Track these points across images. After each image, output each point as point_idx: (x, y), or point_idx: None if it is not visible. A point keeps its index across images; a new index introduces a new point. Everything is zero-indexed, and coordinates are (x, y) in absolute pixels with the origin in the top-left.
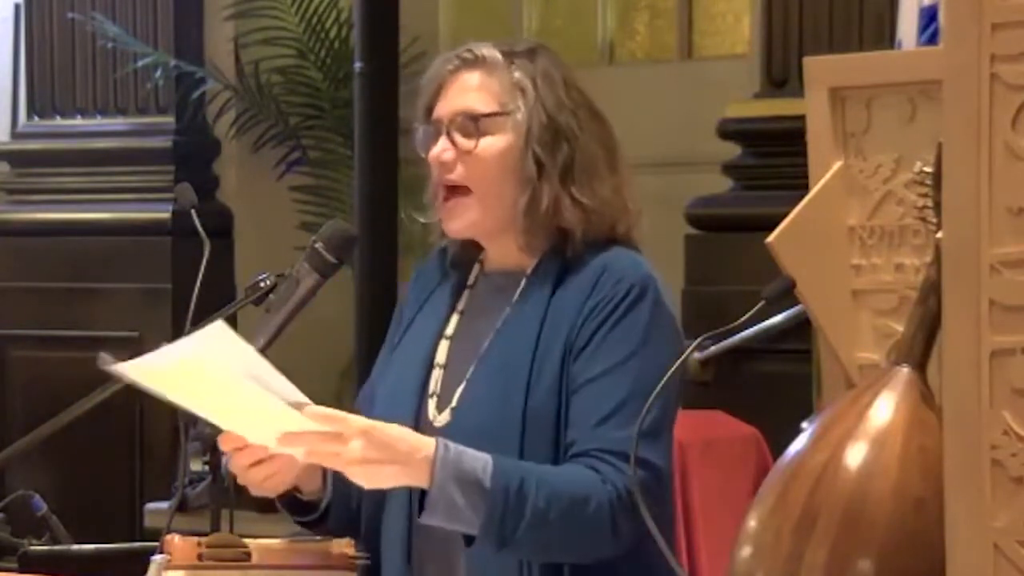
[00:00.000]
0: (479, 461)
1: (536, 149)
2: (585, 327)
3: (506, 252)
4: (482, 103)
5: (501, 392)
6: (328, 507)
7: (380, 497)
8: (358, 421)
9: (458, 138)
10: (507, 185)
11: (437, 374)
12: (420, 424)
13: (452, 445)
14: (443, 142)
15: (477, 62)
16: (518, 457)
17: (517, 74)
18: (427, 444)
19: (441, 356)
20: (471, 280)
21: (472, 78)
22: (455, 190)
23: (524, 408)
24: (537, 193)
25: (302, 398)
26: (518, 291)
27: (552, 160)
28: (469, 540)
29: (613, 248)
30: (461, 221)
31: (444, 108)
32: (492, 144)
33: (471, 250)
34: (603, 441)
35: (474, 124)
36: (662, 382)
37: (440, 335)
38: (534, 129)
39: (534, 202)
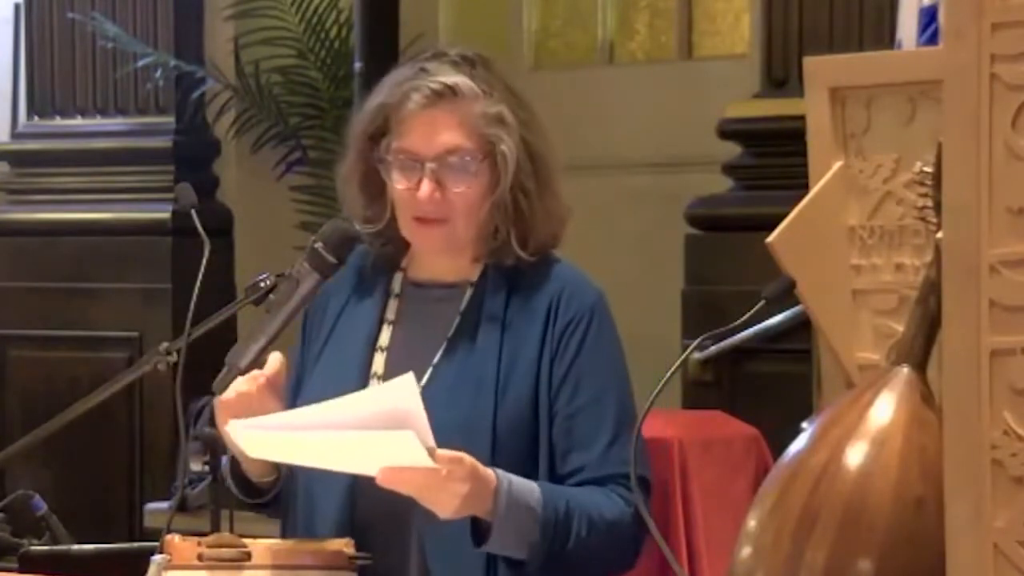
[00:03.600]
0: (530, 490)
1: (523, 179)
2: (561, 353)
3: (451, 264)
4: (468, 141)
5: (468, 403)
6: (278, 494)
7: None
8: (468, 462)
9: (446, 180)
10: (484, 212)
11: (376, 385)
12: None
13: (505, 476)
14: (428, 186)
15: (451, 95)
16: (489, 465)
17: (496, 108)
18: (492, 475)
19: (378, 367)
20: (396, 289)
21: (450, 115)
22: (437, 220)
23: (494, 420)
24: (527, 218)
25: (431, 443)
26: (464, 301)
27: (535, 182)
28: (478, 541)
29: (557, 261)
30: (439, 243)
31: (425, 146)
32: (479, 182)
33: (393, 257)
34: (615, 465)
35: (464, 166)
36: (655, 393)
37: (372, 346)
38: (521, 159)
39: (521, 226)
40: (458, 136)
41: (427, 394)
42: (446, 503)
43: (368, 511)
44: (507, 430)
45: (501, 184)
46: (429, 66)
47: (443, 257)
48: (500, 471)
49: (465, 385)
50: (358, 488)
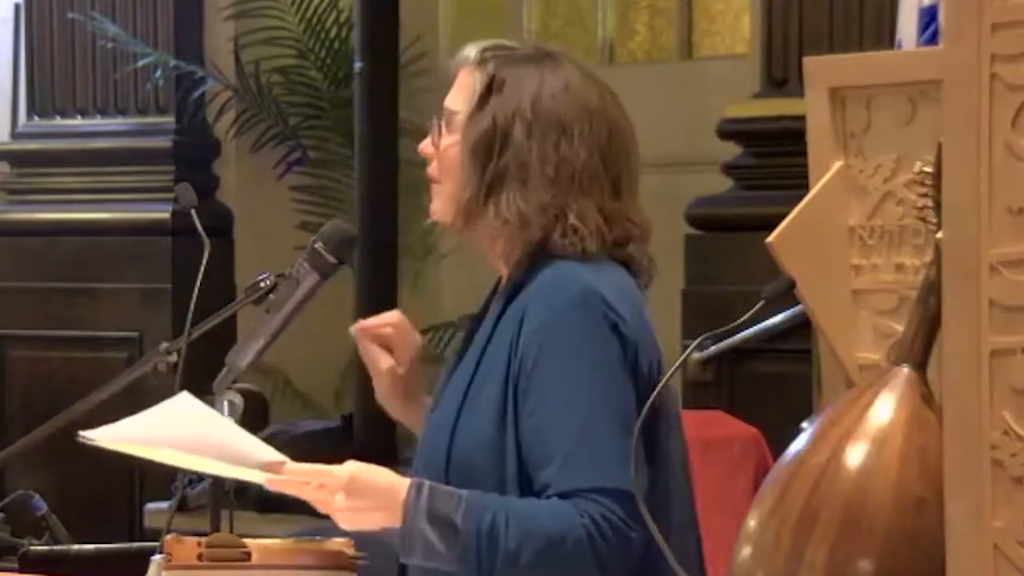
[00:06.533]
0: (453, 500)
1: (470, 152)
2: (525, 361)
3: (497, 268)
4: (453, 100)
5: (438, 421)
6: None
7: None
8: (340, 473)
9: (439, 133)
10: (460, 181)
11: None
12: None
13: (427, 486)
14: (429, 136)
15: (461, 60)
16: (444, 483)
17: (478, 76)
18: (403, 487)
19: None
20: None
21: (458, 77)
22: (432, 179)
23: (450, 441)
24: (474, 194)
25: (279, 456)
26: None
27: (481, 169)
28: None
29: (554, 264)
30: (433, 205)
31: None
32: (451, 141)
33: None
34: (576, 477)
35: (443, 120)
36: (655, 393)
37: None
38: (471, 132)
39: (471, 201)
40: (452, 97)
41: (429, 421)
42: (340, 517)
43: None
44: (464, 450)
45: (458, 148)
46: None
47: (487, 256)
48: (425, 483)
49: (443, 407)
50: None
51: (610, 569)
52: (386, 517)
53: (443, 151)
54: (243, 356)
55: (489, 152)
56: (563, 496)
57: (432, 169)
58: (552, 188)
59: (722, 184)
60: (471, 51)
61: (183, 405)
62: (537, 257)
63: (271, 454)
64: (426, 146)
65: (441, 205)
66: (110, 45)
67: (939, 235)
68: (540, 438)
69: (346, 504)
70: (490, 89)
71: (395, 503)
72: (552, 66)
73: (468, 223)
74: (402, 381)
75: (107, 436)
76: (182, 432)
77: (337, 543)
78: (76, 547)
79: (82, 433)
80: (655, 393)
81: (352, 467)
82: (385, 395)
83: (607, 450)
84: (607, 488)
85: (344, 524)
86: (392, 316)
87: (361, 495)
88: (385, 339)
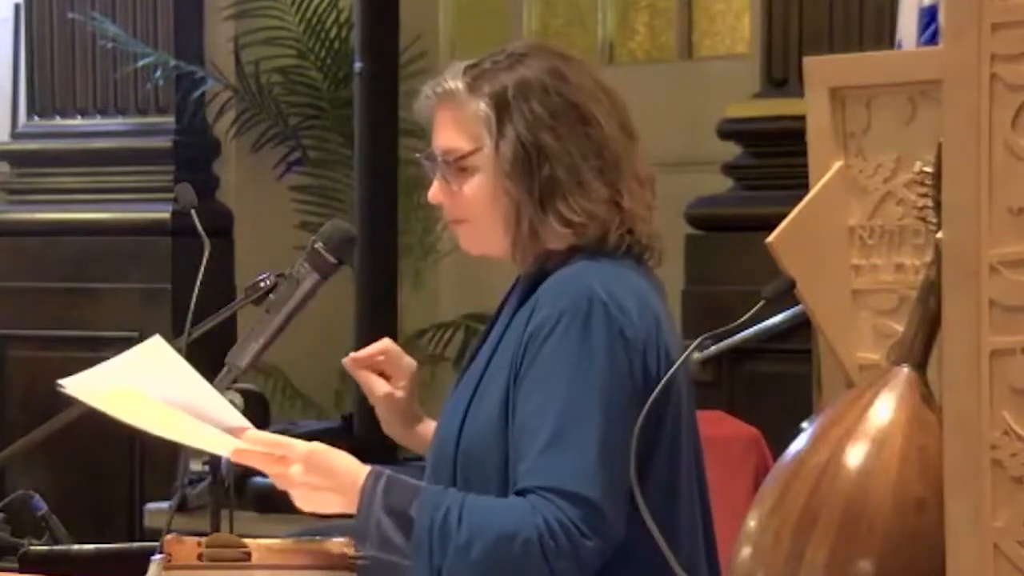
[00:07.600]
0: (410, 492)
1: (507, 183)
2: (526, 358)
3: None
4: (455, 141)
5: (452, 408)
6: None
7: None
8: (300, 446)
9: (447, 178)
10: (496, 215)
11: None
12: None
13: (386, 475)
14: (436, 183)
15: (445, 96)
16: (452, 485)
17: (481, 104)
18: (362, 473)
19: None
20: None
21: (446, 114)
22: (456, 220)
23: (458, 439)
24: (518, 223)
25: (243, 421)
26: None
27: (527, 188)
28: None
29: (571, 260)
30: (469, 246)
31: (434, 144)
32: (472, 182)
33: None
34: (539, 477)
35: (453, 166)
36: (655, 393)
37: None
38: (503, 162)
39: (517, 232)
40: (450, 138)
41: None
42: (296, 494)
43: None
44: (472, 438)
45: (489, 184)
46: (449, 69)
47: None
48: (385, 472)
49: (451, 407)
50: None
51: (560, 572)
52: (342, 501)
53: (468, 193)
54: (243, 356)
55: (529, 170)
56: (521, 493)
57: (453, 212)
58: (603, 181)
59: (722, 184)
60: (451, 84)
61: (155, 350)
62: (553, 252)
63: (236, 418)
64: (435, 195)
65: (476, 241)
66: (110, 45)
67: (939, 235)
68: (520, 435)
69: (302, 478)
70: (499, 109)
71: (352, 488)
72: (531, 62)
73: (523, 244)
74: (402, 405)
75: (84, 387)
76: (154, 385)
77: (337, 543)
78: (76, 547)
79: (60, 382)
80: (655, 393)
81: (314, 444)
82: (387, 421)
83: (579, 454)
84: (565, 490)
85: (300, 502)
86: (382, 344)
87: (318, 472)
88: (379, 367)
